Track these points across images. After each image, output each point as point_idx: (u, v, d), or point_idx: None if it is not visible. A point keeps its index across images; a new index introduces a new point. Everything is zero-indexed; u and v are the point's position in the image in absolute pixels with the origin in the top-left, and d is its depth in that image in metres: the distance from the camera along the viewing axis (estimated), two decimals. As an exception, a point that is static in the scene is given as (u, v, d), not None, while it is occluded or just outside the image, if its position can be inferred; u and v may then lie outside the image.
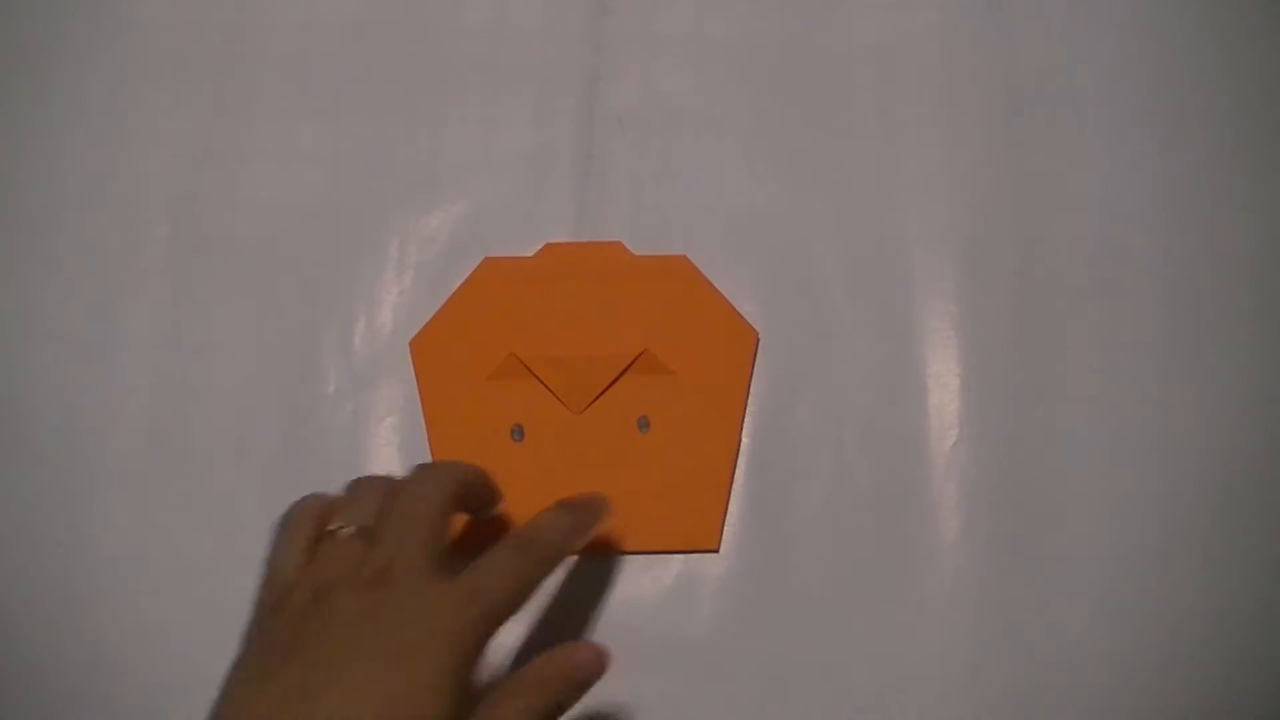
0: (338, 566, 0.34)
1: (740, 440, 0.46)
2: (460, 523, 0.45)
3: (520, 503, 0.45)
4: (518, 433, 0.46)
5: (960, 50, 0.50)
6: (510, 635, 0.44)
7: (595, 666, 0.37)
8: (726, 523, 0.45)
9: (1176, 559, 0.44)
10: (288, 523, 0.37)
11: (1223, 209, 0.48)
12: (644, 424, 0.46)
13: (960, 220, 0.48)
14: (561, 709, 0.35)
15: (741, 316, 0.47)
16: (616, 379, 0.46)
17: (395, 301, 0.48)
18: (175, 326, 0.48)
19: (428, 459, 0.46)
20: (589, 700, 0.43)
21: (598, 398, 0.46)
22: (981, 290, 0.47)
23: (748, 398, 0.46)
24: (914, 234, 0.48)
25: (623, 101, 0.50)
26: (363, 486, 0.38)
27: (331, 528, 0.36)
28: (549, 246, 0.48)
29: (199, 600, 0.45)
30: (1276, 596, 0.44)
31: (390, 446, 0.46)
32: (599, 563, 0.45)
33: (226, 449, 0.46)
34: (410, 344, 0.47)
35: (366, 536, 0.35)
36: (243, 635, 0.35)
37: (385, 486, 0.37)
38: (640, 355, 0.46)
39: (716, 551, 0.45)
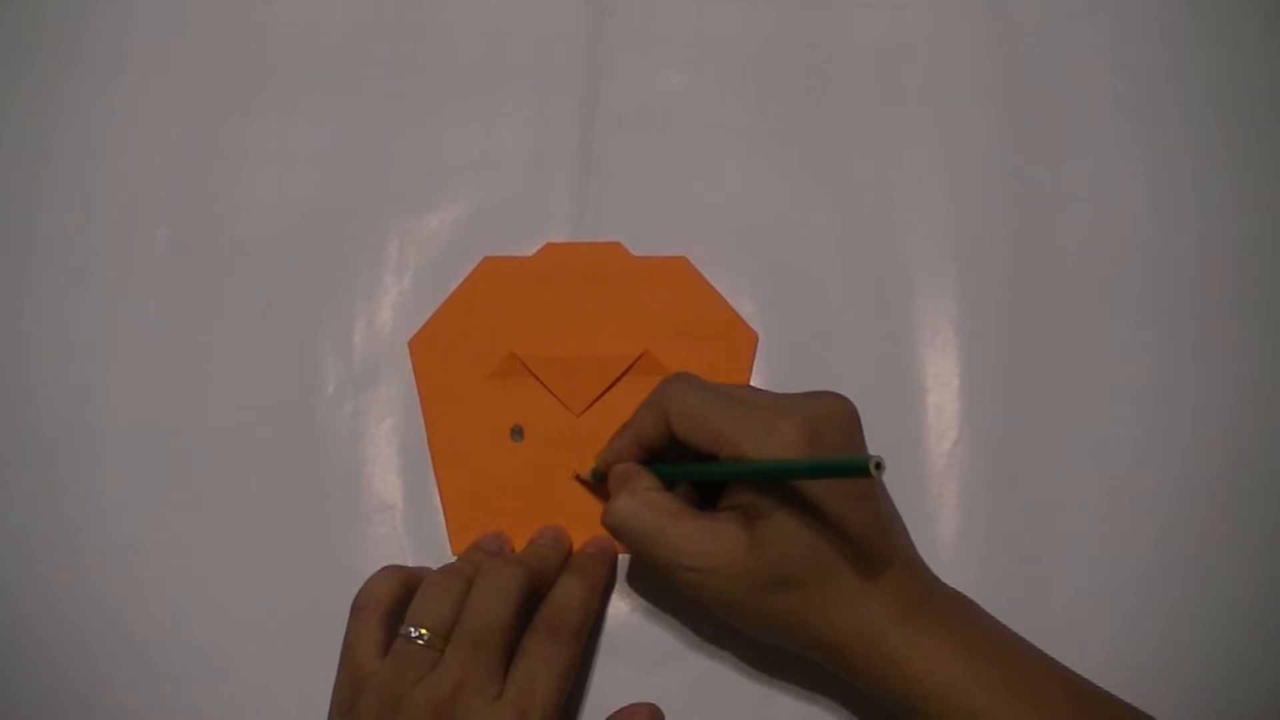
0: (409, 675, 0.38)
1: (740, 440, 0.46)
2: (464, 523, 0.45)
3: (520, 503, 0.45)
4: (517, 433, 0.46)
5: (960, 50, 0.50)
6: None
7: None
8: (726, 523, 0.45)
9: (1176, 558, 0.44)
10: (362, 610, 0.40)
11: (1221, 208, 0.48)
12: (644, 424, 0.46)
13: (959, 220, 0.48)
14: None
15: (741, 317, 0.47)
16: (617, 380, 0.46)
17: (395, 301, 0.48)
18: (175, 326, 0.48)
19: (427, 459, 0.46)
20: (590, 700, 0.43)
21: (598, 399, 0.46)
22: (981, 290, 0.47)
23: (748, 398, 0.46)
24: (913, 234, 0.48)
25: (623, 101, 0.50)
26: (437, 587, 0.40)
27: (407, 629, 0.39)
28: (549, 246, 0.48)
29: (200, 600, 0.45)
30: (1276, 596, 0.44)
31: (390, 447, 0.46)
32: (599, 563, 0.45)
33: (227, 449, 0.46)
34: (409, 344, 0.47)
35: (438, 647, 0.39)
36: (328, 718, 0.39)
37: (459, 589, 0.40)
38: (640, 356, 0.46)
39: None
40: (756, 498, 0.37)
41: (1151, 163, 0.48)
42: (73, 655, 0.44)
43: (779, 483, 0.37)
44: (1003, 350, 0.46)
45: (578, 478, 0.45)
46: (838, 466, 0.34)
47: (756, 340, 0.47)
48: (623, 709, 0.42)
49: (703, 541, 0.38)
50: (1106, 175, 0.48)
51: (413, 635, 0.39)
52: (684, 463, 0.40)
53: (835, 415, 0.38)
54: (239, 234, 0.49)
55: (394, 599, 0.41)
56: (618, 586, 0.45)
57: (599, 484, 0.44)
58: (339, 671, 0.40)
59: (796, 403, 0.38)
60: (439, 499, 0.45)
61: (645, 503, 0.39)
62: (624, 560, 0.45)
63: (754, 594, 0.38)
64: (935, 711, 0.37)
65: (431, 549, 0.45)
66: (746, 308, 0.47)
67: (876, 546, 0.38)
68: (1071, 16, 0.50)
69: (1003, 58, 0.50)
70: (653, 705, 0.42)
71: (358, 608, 0.40)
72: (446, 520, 0.45)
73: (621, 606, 0.44)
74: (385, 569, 0.42)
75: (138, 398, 0.47)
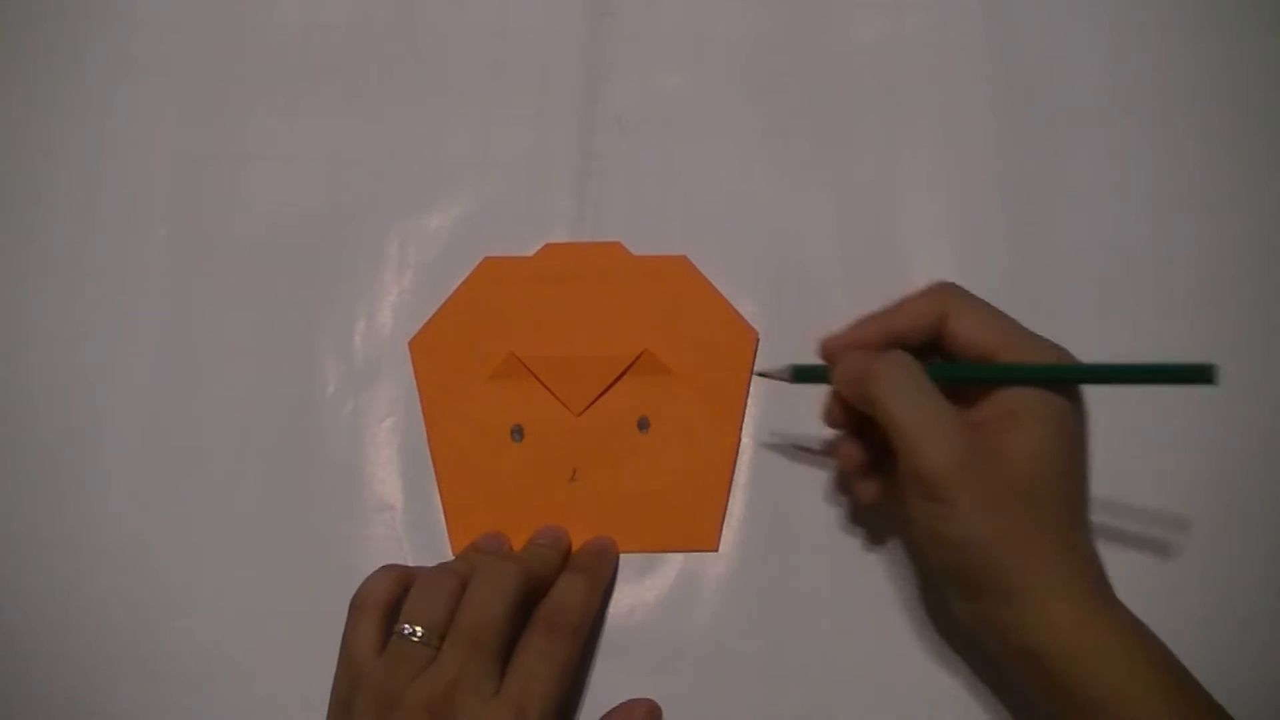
0: (405, 672, 0.38)
1: (740, 440, 0.46)
2: (464, 523, 0.45)
3: (520, 504, 0.45)
4: (518, 433, 0.46)
5: (960, 50, 0.50)
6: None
7: None
8: (726, 523, 0.45)
9: (1176, 558, 0.44)
10: (360, 608, 0.40)
11: (1221, 207, 0.48)
12: (644, 424, 0.46)
13: (959, 219, 0.48)
14: None
15: (741, 316, 0.47)
16: (617, 379, 0.46)
17: (395, 301, 0.48)
18: (175, 326, 0.48)
19: (428, 459, 0.46)
20: (589, 700, 0.43)
21: (598, 398, 0.46)
22: (980, 290, 0.47)
23: (748, 398, 0.46)
24: (913, 234, 0.48)
25: (623, 101, 0.50)
26: (432, 585, 0.40)
27: (402, 627, 0.39)
28: (549, 246, 0.48)
29: (200, 600, 0.45)
30: (1276, 597, 0.44)
31: (390, 447, 0.46)
32: (599, 563, 0.45)
33: (227, 449, 0.46)
34: (410, 344, 0.47)
35: (434, 645, 0.38)
36: (326, 716, 0.40)
37: (454, 587, 0.40)
38: (640, 355, 0.46)
39: (716, 551, 0.45)
40: (1014, 409, 0.37)
41: (1152, 161, 0.48)
42: (73, 655, 0.44)
43: (1078, 384, 0.38)
44: (1003, 350, 0.46)
45: (761, 373, 0.44)
46: (1180, 370, 0.36)
47: (757, 340, 0.47)
48: (620, 705, 0.42)
49: (959, 434, 0.36)
50: (1107, 174, 0.48)
51: (407, 633, 0.39)
52: (965, 363, 0.39)
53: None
54: (239, 234, 0.49)
55: (392, 598, 0.40)
56: (618, 586, 0.44)
57: (800, 381, 0.42)
58: (337, 669, 0.40)
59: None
60: (439, 499, 0.45)
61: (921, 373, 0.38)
62: (625, 560, 0.45)
63: (980, 502, 0.36)
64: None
65: (431, 549, 0.45)
66: (746, 308, 0.47)
67: (1084, 494, 0.38)
68: (1071, 16, 0.50)
69: (1003, 58, 0.50)
70: (650, 701, 0.42)
71: (356, 606, 0.40)
72: (446, 520, 0.45)
73: (621, 606, 0.44)
74: (384, 568, 0.42)
75: (138, 398, 0.47)
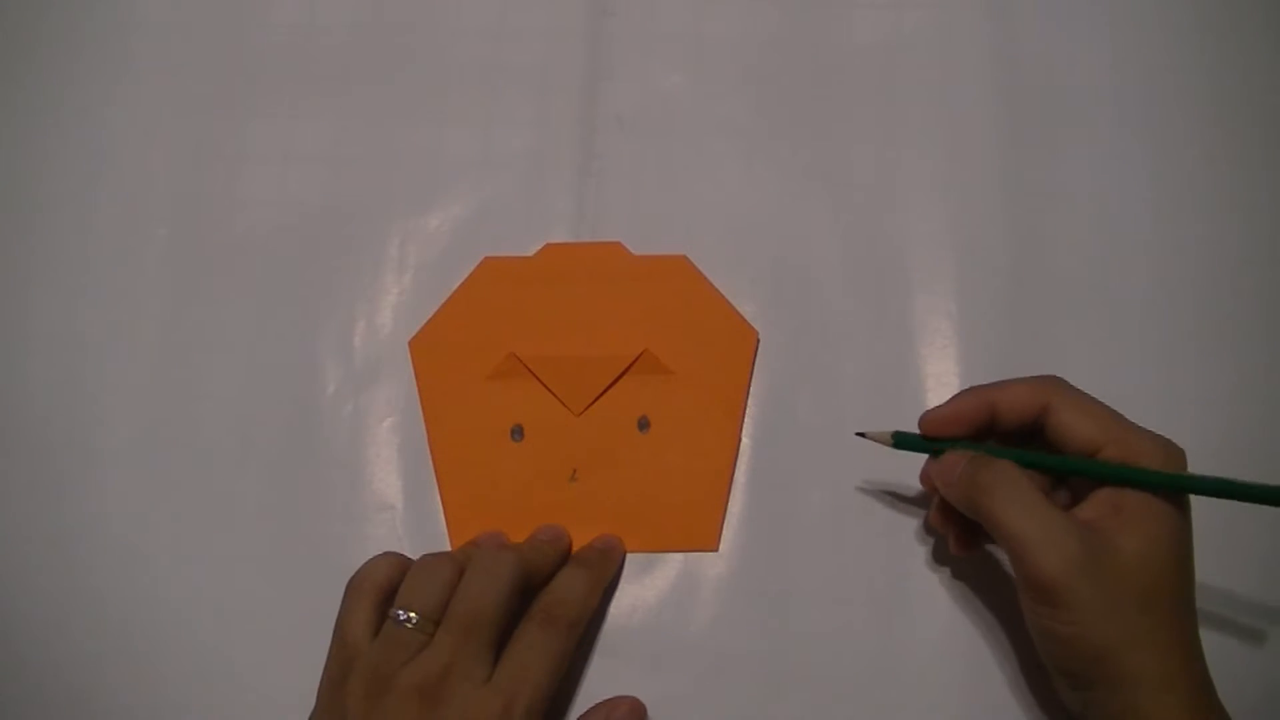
0: (397, 656, 0.38)
1: (740, 440, 0.46)
2: (464, 523, 0.45)
3: (520, 503, 0.45)
4: (518, 433, 0.46)
5: (959, 51, 0.50)
6: (510, 635, 0.44)
7: None
8: (726, 523, 0.45)
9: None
10: (357, 590, 0.40)
11: (1221, 208, 0.48)
12: (644, 424, 0.46)
13: (959, 219, 0.48)
14: None
15: (741, 316, 0.47)
16: (617, 379, 0.46)
17: (395, 301, 0.48)
18: (175, 326, 0.48)
19: (428, 459, 0.46)
20: (592, 700, 0.43)
21: (598, 398, 0.46)
22: (980, 289, 0.47)
23: (748, 398, 0.46)
24: (913, 234, 0.48)
25: (623, 101, 0.50)
26: (428, 571, 0.40)
27: (396, 612, 0.39)
28: (549, 246, 0.48)
29: (200, 600, 0.45)
30: (1275, 597, 0.44)
31: (390, 447, 0.46)
32: (599, 563, 0.45)
33: (227, 449, 0.46)
34: (410, 344, 0.47)
35: (428, 630, 0.38)
36: (317, 694, 0.39)
37: (451, 574, 0.40)
38: (640, 355, 0.46)
39: (716, 551, 0.45)
40: (1122, 507, 0.37)
41: (1151, 162, 0.48)
42: (73, 656, 0.44)
43: (1176, 492, 0.37)
44: (1002, 350, 0.46)
45: (862, 434, 0.43)
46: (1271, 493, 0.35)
47: (757, 340, 0.47)
48: (602, 702, 0.42)
49: (1073, 539, 0.36)
50: (1106, 175, 0.48)
51: (402, 618, 0.39)
52: (1065, 457, 0.39)
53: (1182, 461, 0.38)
54: (239, 234, 0.49)
55: (390, 582, 0.40)
56: (619, 586, 0.44)
57: (901, 448, 0.42)
58: (331, 647, 0.40)
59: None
60: (439, 499, 0.45)
61: (1029, 481, 0.38)
62: (630, 560, 0.45)
63: (1096, 605, 0.36)
64: None
65: (431, 549, 0.45)
66: (746, 307, 0.47)
67: (1193, 594, 0.37)
68: (1071, 16, 0.50)
69: (1003, 58, 0.50)
70: (633, 699, 0.42)
71: (353, 588, 0.40)
72: (446, 520, 0.45)
73: (622, 606, 0.44)
74: (385, 554, 0.42)
75: (137, 398, 0.47)
